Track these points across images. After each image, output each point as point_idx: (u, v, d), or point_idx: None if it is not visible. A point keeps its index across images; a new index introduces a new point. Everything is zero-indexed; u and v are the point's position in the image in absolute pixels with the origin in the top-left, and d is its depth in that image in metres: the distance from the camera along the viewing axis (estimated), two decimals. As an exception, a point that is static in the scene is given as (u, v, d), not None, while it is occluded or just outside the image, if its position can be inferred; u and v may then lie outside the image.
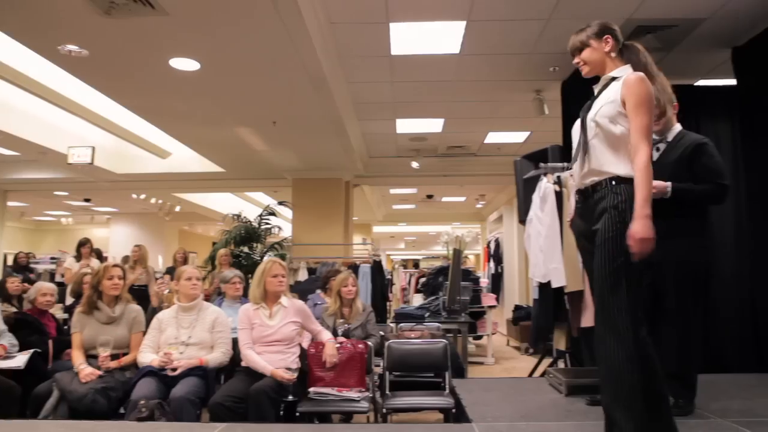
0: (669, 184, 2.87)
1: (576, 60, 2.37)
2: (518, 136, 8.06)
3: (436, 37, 4.92)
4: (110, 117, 7.21)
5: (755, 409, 3.17)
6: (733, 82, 4.95)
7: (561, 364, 4.81)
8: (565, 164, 3.84)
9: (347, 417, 3.64)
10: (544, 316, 3.82)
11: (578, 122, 2.35)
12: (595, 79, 2.41)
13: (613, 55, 2.31)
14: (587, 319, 3.47)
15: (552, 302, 3.61)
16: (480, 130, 7.84)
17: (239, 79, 5.29)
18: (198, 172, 9.62)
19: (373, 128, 7.79)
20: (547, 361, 4.94)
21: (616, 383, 2.09)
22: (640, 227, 2.01)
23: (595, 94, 2.34)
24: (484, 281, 8.70)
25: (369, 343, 3.70)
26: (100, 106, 6.82)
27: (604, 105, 2.21)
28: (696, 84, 5.64)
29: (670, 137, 3.10)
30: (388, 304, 9.94)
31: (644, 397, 2.04)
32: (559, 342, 3.69)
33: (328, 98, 5.70)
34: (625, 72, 2.25)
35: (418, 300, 8.25)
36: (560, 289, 3.49)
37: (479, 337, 8.21)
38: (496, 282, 10.46)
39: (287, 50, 4.55)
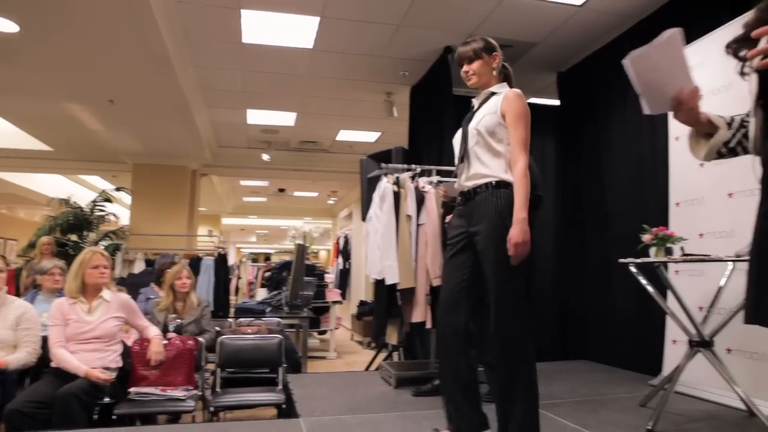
0: None
1: (466, 69, 2.44)
2: (369, 136, 8.26)
3: (290, 30, 4.86)
4: None
5: (555, 392, 3.57)
6: (557, 102, 5.54)
7: (396, 358, 5.03)
8: (405, 166, 4.01)
9: (175, 417, 3.45)
10: (378, 312, 3.94)
11: (460, 131, 2.48)
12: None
13: (495, 72, 2.44)
14: (417, 315, 3.65)
15: (386, 298, 3.74)
16: (332, 126, 7.90)
17: (68, 48, 4.77)
18: (19, 149, 8.54)
19: (223, 117, 7.50)
20: (384, 354, 5.14)
21: (515, 380, 2.22)
22: (517, 232, 2.15)
23: (475, 106, 2.47)
24: (330, 277, 8.80)
25: (200, 339, 3.55)
26: None
27: (486, 116, 2.34)
28: (528, 101, 6.19)
29: None
30: (233, 298, 9.65)
31: (535, 389, 2.24)
32: (392, 336, 3.84)
33: (172, 80, 5.37)
34: (503, 88, 2.41)
35: (263, 294, 8.12)
36: (394, 286, 3.64)
37: (323, 332, 8.28)
38: (344, 278, 10.64)
39: (126, 23, 4.20)
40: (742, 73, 1.43)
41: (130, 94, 5.87)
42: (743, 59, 1.42)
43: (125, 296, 3.40)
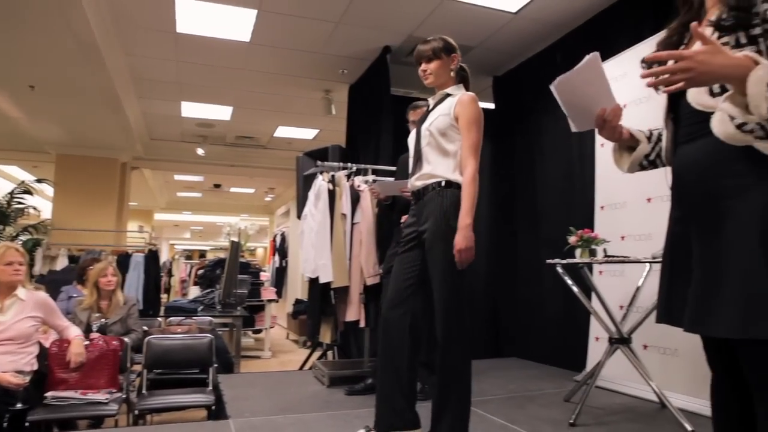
0: None
1: (424, 68, 2.42)
2: (308, 133, 8.18)
3: (227, 22, 4.74)
4: None
5: (485, 389, 3.67)
6: (492, 105, 5.68)
7: (331, 357, 5.02)
8: (341, 164, 4.00)
9: (97, 422, 3.29)
10: (312, 311, 3.92)
11: (413, 132, 2.48)
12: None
13: (453, 74, 2.44)
14: (351, 314, 3.65)
15: (320, 297, 3.72)
16: (270, 122, 7.78)
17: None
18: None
19: (156, 108, 7.22)
20: (318, 353, 5.11)
21: (457, 381, 2.26)
22: (462, 238, 2.18)
23: (430, 106, 2.46)
24: (265, 275, 8.66)
25: (126, 339, 3.41)
26: None
27: (439, 117, 2.35)
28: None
29: None
30: (164, 296, 9.33)
31: (470, 390, 2.29)
32: (325, 335, 3.83)
33: (100, 67, 5.12)
34: (459, 91, 2.41)
35: (195, 292, 7.88)
36: (328, 285, 3.62)
37: (258, 331, 8.14)
38: (280, 276, 10.49)
39: (47, 2, 3.97)
40: (656, 88, 1.51)
41: (54, 80, 5.56)
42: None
43: (42, 295, 3.21)
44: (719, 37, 1.24)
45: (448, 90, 2.43)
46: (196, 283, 8.54)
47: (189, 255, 19.18)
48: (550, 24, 4.59)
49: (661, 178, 1.53)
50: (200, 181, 12.01)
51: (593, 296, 3.48)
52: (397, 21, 4.65)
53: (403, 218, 2.99)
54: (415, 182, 2.42)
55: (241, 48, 5.22)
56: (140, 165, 9.41)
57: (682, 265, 1.36)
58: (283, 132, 8.18)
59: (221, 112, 7.29)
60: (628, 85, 3.32)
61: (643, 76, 1.20)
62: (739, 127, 1.21)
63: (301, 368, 5.11)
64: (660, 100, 1.49)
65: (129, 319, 3.77)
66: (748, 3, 1.22)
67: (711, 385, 1.43)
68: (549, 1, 4.23)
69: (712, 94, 1.28)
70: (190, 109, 7.20)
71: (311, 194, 3.85)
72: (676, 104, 1.41)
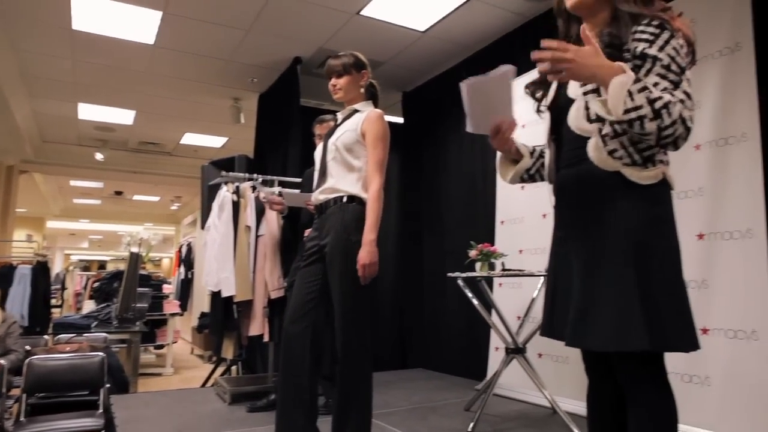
0: None
1: (333, 82, 2.43)
2: (216, 141, 7.95)
3: (129, 22, 4.51)
4: None
5: (390, 401, 3.70)
6: (401, 120, 5.80)
7: (235, 373, 4.87)
8: (247, 175, 3.92)
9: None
10: (215, 325, 3.79)
11: (320, 145, 2.46)
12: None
13: (362, 90, 2.46)
14: (255, 328, 3.57)
15: (222, 311, 3.60)
16: (176, 128, 7.48)
17: None
18: None
19: (50, 109, 6.73)
20: (223, 368, 4.94)
21: (357, 394, 2.24)
22: (366, 253, 2.18)
23: (339, 121, 2.46)
24: (168, 287, 8.28)
25: (1, 361, 3.13)
26: None
27: (346, 132, 2.35)
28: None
29: None
30: (56, 311, 8.68)
31: (371, 404, 2.28)
32: (228, 350, 3.71)
33: (-18, 63, 4.72)
34: (368, 107, 2.43)
35: (91, 307, 7.39)
36: (231, 298, 3.52)
37: (160, 347, 7.74)
38: (186, 288, 10.06)
39: None
40: (538, 111, 1.61)
41: (-73, 74, 5.06)
42: (538, 100, 1.60)
43: None
44: None
45: (357, 106, 2.45)
46: (91, 297, 8.00)
47: (86, 266, 18.00)
48: (458, 44, 4.76)
49: (553, 195, 1.62)
50: (99, 187, 11.31)
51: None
52: (308, 32, 4.64)
53: (307, 232, 2.98)
54: (319, 196, 2.42)
55: (145, 50, 4.99)
56: (30, 169, 8.73)
57: (563, 283, 1.45)
58: (190, 139, 7.89)
59: (122, 116, 6.92)
60: (527, 105, 3.49)
61: (534, 58, 1.30)
62: (610, 153, 1.34)
63: (203, 385, 4.92)
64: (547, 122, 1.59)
65: (8, 339, 3.48)
66: (619, 41, 1.36)
67: (587, 391, 1.56)
68: (456, 21, 4.39)
69: (590, 120, 1.39)
70: (88, 112, 6.77)
71: (215, 205, 3.74)
72: (559, 127, 1.51)
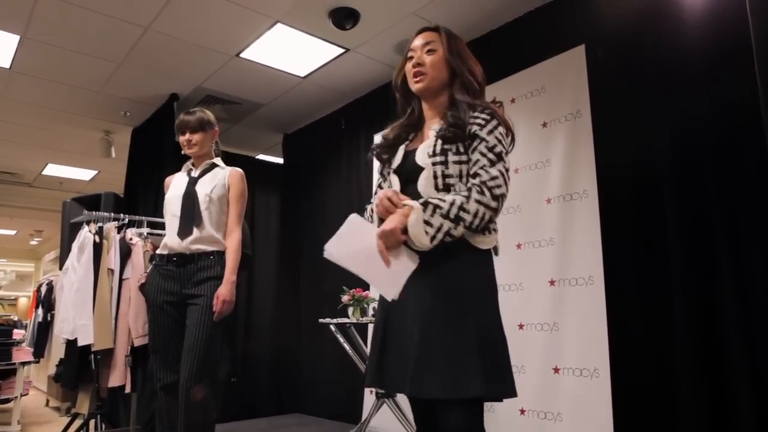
0: None
1: (189, 137, 2.58)
2: (84, 173, 7.41)
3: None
4: None
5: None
6: (281, 161, 5.81)
7: (93, 428, 4.46)
8: (113, 215, 3.71)
9: None
10: (67, 376, 3.49)
11: (177, 192, 2.56)
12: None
13: (214, 146, 2.70)
14: (116, 379, 3.33)
15: (78, 360, 3.33)
16: (38, 158, 6.88)
17: None
18: None
19: None
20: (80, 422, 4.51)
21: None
22: (225, 291, 2.38)
23: (195, 173, 2.62)
24: (19, 332, 7.45)
25: None
26: None
27: (217, 186, 2.56)
28: (257, 157, 6.34)
29: None
30: None
31: None
32: (82, 405, 3.42)
33: None
34: (221, 163, 2.67)
35: None
36: (89, 347, 3.27)
37: (6, 401, 6.90)
38: (43, 332, 9.11)
39: None
40: (382, 175, 1.71)
41: None
42: (384, 162, 1.70)
43: None
44: (443, 143, 1.53)
45: (215, 161, 2.67)
46: None
47: None
48: (336, 91, 4.89)
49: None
50: (-58, 218, 10.07)
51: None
52: (185, 70, 4.54)
53: (141, 278, 3.06)
54: (189, 245, 2.48)
55: (1, 74, 4.60)
56: None
57: (389, 342, 1.55)
58: (53, 170, 7.29)
59: (-27, 143, 6.28)
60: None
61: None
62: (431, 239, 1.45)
63: (54, 443, 4.45)
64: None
65: None
66: (462, 122, 1.53)
67: None
68: (335, 70, 4.51)
69: (438, 190, 1.50)
70: (-72, 136, 6.07)
71: (75, 246, 3.48)
72: (408, 189, 1.59)
